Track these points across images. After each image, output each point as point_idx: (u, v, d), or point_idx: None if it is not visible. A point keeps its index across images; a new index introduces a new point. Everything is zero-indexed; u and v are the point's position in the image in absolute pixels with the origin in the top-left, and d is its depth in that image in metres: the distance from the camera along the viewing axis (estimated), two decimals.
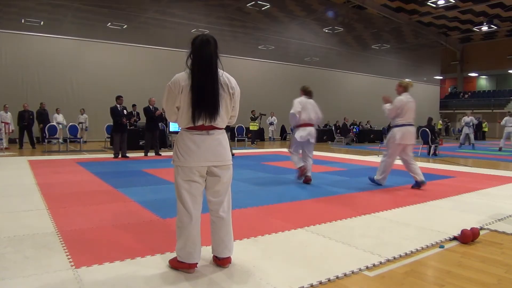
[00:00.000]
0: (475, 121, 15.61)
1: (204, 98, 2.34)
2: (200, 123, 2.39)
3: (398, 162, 5.93)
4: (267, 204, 4.49)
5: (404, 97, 5.58)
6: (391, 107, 5.63)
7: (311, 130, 6.18)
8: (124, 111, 9.71)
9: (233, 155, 8.25)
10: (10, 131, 12.39)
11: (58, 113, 14.16)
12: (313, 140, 6.19)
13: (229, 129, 8.72)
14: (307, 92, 6.34)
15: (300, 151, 6.29)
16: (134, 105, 13.59)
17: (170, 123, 11.46)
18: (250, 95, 16.40)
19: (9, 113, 12.32)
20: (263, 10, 17.12)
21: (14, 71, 14.79)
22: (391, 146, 5.66)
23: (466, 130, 15.30)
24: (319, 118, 6.40)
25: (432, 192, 5.38)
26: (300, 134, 6.12)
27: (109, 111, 9.63)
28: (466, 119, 15.28)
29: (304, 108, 6.15)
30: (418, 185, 5.63)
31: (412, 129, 5.63)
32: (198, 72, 2.35)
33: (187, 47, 2.42)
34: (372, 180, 5.93)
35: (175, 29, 17.67)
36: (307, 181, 6.07)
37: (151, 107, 10.36)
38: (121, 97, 9.70)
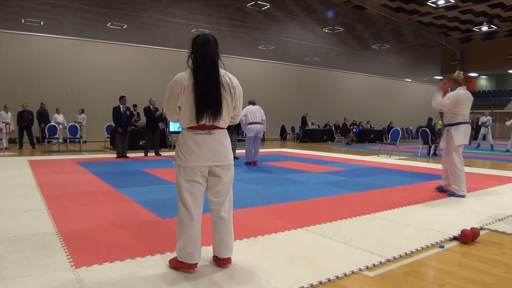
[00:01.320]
0: (491, 122, 15.57)
1: (207, 97, 2.35)
2: (202, 122, 2.39)
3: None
4: (267, 204, 4.49)
5: (463, 91, 5.02)
6: (448, 101, 4.99)
7: (258, 127, 8.26)
8: (127, 112, 9.69)
9: (236, 158, 8.71)
10: (10, 131, 12.38)
11: (58, 113, 14.16)
12: (260, 135, 8.35)
13: (236, 128, 9.06)
14: (252, 102, 8.43)
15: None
16: (134, 105, 13.59)
17: (170, 123, 11.49)
18: (250, 95, 16.39)
19: (9, 113, 12.31)
20: (263, 10, 17.12)
21: (14, 71, 14.78)
22: (454, 149, 5.00)
23: (483, 130, 15.15)
24: (264, 120, 8.45)
25: (432, 192, 5.37)
26: (250, 131, 8.24)
27: (111, 111, 9.59)
28: (483, 119, 15.13)
29: (250, 112, 8.24)
30: (442, 189, 5.30)
31: (469, 128, 5.11)
32: (199, 71, 2.36)
33: (187, 47, 2.42)
34: (452, 193, 5.10)
35: (175, 29, 17.66)
36: (254, 163, 8.43)
37: (151, 107, 10.35)
38: (125, 97, 9.68)
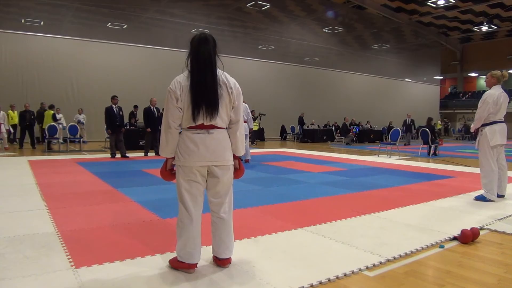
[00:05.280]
0: None
1: (204, 95, 2.34)
2: (200, 121, 2.38)
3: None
4: (267, 204, 4.49)
5: (496, 91, 4.77)
6: (481, 105, 4.76)
7: (245, 125, 8.74)
8: (120, 112, 9.67)
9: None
10: (3, 131, 12.21)
11: (58, 113, 14.15)
12: (246, 133, 8.73)
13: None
14: None
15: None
16: (135, 106, 13.56)
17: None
18: (250, 95, 16.41)
19: (2, 112, 12.14)
20: (263, 10, 17.14)
21: (14, 71, 14.78)
22: (486, 150, 4.79)
23: None
24: (250, 119, 9.16)
25: (432, 192, 5.37)
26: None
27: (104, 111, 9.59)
28: None
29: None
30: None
31: (505, 127, 4.83)
32: (197, 70, 2.35)
33: (187, 47, 2.42)
34: (481, 198, 4.84)
35: (175, 29, 17.68)
36: (246, 161, 8.91)
37: (152, 107, 10.35)
38: (116, 97, 9.67)
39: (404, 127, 17.85)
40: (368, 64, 25.51)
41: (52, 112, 12.96)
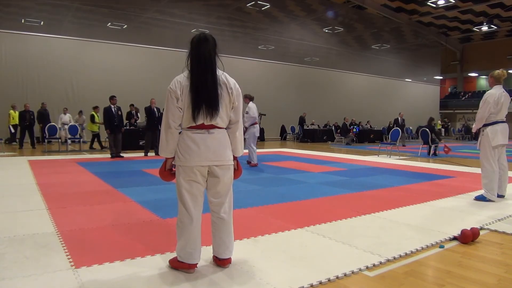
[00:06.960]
0: None
1: (204, 95, 2.34)
2: (200, 121, 2.38)
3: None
4: (267, 204, 4.49)
5: (496, 90, 4.77)
6: (482, 105, 4.76)
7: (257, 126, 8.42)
8: (119, 112, 9.67)
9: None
10: None
11: (64, 113, 14.15)
12: (257, 134, 8.34)
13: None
14: (251, 98, 8.13)
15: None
16: (132, 105, 13.56)
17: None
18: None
19: None
20: (263, 10, 17.16)
21: (14, 71, 14.77)
22: (487, 150, 4.77)
23: None
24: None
25: (432, 192, 5.37)
26: (257, 130, 8.25)
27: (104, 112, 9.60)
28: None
29: (254, 109, 8.14)
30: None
31: (507, 127, 4.83)
32: (197, 69, 2.35)
33: (187, 48, 2.42)
34: (481, 198, 4.83)
35: (175, 29, 17.70)
36: (254, 165, 8.18)
37: (152, 106, 10.36)
38: (115, 97, 9.69)
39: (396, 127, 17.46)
40: (368, 64, 25.52)
41: (92, 113, 12.75)
